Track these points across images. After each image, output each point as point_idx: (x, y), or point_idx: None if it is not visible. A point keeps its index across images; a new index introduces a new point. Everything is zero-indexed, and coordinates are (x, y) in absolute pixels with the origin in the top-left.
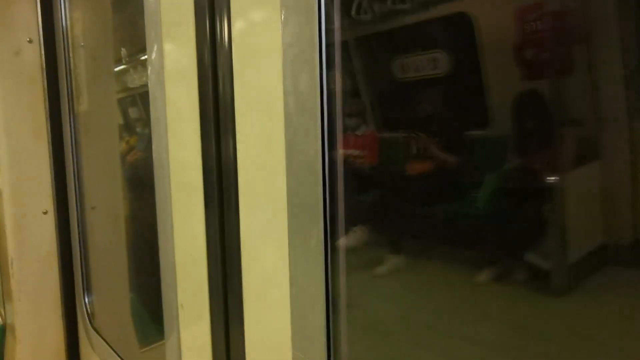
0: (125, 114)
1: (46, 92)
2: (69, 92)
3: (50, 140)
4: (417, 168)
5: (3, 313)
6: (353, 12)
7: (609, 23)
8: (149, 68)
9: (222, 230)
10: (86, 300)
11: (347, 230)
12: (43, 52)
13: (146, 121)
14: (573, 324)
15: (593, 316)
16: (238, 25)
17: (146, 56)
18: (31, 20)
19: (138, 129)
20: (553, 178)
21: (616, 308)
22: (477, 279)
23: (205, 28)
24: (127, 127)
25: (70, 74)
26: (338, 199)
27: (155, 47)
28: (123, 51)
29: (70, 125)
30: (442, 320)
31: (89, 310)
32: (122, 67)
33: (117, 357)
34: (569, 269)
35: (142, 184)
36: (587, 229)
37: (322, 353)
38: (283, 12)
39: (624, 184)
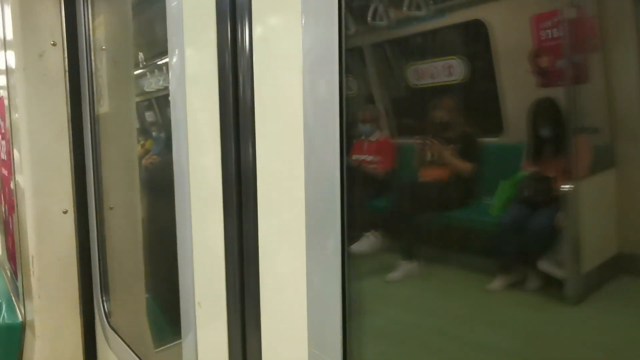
0: (142, 118)
1: (68, 94)
2: (91, 95)
3: (71, 141)
4: (431, 174)
5: (23, 310)
6: (369, 18)
7: (625, 30)
8: (170, 72)
9: (241, 232)
10: (103, 298)
11: (360, 236)
12: (66, 55)
13: (162, 125)
14: (586, 332)
15: (607, 325)
16: (259, 30)
17: (166, 60)
18: (55, 24)
19: (154, 133)
20: (568, 186)
21: (631, 317)
22: (490, 286)
23: (227, 33)
24: (143, 130)
25: (91, 76)
26: (354, 205)
27: (176, 52)
28: (141, 55)
29: (91, 127)
30: (454, 327)
31: (106, 308)
32: (141, 70)
33: (133, 355)
34: (583, 278)
35: (158, 187)
36: (602, 237)
37: (338, 351)
38: (303, 18)
39: None
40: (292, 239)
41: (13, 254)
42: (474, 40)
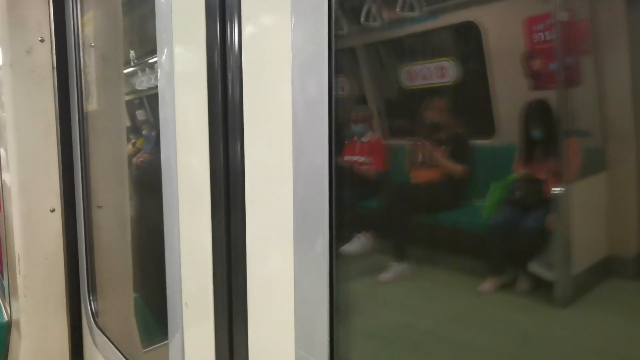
0: (132, 116)
1: (56, 91)
2: (79, 92)
3: (59, 138)
4: (422, 176)
5: (9, 309)
6: (361, 19)
7: (617, 33)
8: (159, 70)
9: (228, 232)
10: (91, 298)
11: (351, 237)
12: (54, 51)
13: (152, 123)
14: (575, 334)
15: (595, 327)
16: (248, 29)
17: (156, 59)
18: (43, 19)
19: (144, 131)
20: (558, 189)
21: (620, 320)
22: (480, 287)
23: (216, 31)
24: (134, 128)
25: (80, 73)
26: (344, 205)
27: (165, 50)
28: (131, 53)
29: (80, 125)
30: (444, 328)
31: (93, 308)
32: (132, 68)
33: (120, 355)
34: (573, 280)
35: (148, 185)
36: (592, 240)
37: (325, 352)
38: (293, 18)
39: (630, 195)
40: (280, 239)
41: None
42: (467, 42)
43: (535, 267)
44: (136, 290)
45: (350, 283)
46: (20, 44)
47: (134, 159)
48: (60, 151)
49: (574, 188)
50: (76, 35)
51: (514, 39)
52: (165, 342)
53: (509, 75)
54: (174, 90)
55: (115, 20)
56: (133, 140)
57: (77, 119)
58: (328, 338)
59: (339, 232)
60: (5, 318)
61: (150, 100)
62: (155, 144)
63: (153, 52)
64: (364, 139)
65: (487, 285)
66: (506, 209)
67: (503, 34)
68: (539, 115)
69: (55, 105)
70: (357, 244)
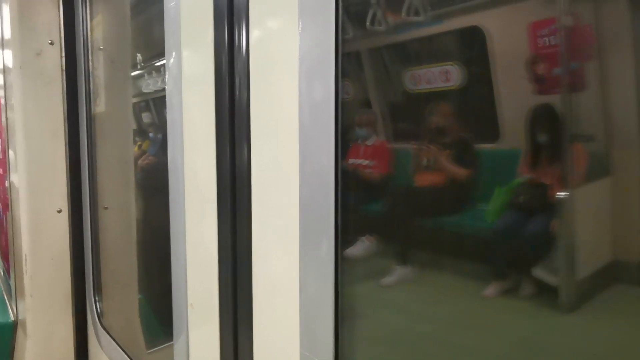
0: (139, 119)
1: (65, 93)
2: (87, 94)
3: (67, 140)
4: (426, 180)
5: (15, 309)
6: (367, 23)
7: (622, 38)
8: (167, 73)
9: (234, 233)
10: (96, 298)
11: (355, 240)
12: (63, 54)
13: (158, 126)
14: (580, 339)
15: (600, 333)
16: (256, 33)
17: (164, 62)
18: (53, 23)
19: (150, 134)
20: (563, 193)
21: (625, 325)
22: (484, 292)
23: (224, 35)
24: (140, 131)
25: (89, 76)
26: (349, 209)
27: (173, 53)
28: (138, 56)
29: (87, 127)
30: (448, 332)
31: (98, 308)
32: (139, 71)
33: (125, 356)
34: (578, 285)
35: (154, 188)
36: (597, 245)
37: (330, 353)
38: (301, 22)
39: (635, 200)
40: (285, 241)
41: (6, 253)
42: (472, 47)
43: (539, 272)
44: (141, 291)
45: (357, 286)
46: (30, 46)
47: (140, 161)
48: (67, 153)
49: (579, 193)
50: (85, 39)
51: (518, 44)
52: (170, 343)
53: (514, 79)
54: (181, 93)
55: (124, 23)
56: (139, 143)
57: (85, 121)
58: (333, 340)
59: (344, 235)
60: (12, 318)
61: (157, 103)
62: (161, 146)
63: (161, 55)
64: (369, 142)
65: (491, 289)
66: (511, 213)
67: (508, 38)
68: (544, 119)
69: (63, 107)
70: (360, 247)
